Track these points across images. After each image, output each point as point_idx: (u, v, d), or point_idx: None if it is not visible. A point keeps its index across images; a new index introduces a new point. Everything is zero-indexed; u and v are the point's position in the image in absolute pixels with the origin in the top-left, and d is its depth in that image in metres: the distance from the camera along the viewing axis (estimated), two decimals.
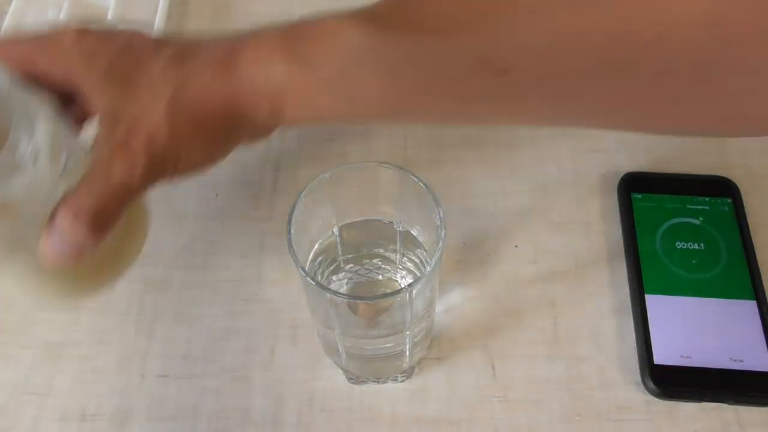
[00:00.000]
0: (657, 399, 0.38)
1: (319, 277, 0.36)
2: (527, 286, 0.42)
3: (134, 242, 0.34)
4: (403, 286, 0.32)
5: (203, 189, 0.47)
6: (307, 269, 0.31)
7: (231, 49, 0.29)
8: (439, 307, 0.41)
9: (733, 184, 0.45)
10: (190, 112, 0.29)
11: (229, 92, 0.29)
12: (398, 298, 0.30)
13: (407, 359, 0.37)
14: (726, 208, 0.44)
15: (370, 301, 0.33)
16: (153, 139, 0.28)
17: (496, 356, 0.40)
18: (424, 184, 0.31)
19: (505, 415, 0.38)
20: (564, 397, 0.38)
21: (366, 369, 0.38)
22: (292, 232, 0.30)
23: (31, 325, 0.42)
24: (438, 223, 0.31)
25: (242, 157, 0.48)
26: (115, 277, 0.33)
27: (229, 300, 0.42)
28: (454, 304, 0.42)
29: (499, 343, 0.40)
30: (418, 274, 0.36)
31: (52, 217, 0.27)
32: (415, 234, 0.36)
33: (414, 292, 0.30)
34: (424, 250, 0.35)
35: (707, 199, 0.44)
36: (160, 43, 0.30)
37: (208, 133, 0.29)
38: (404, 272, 0.38)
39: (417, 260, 0.36)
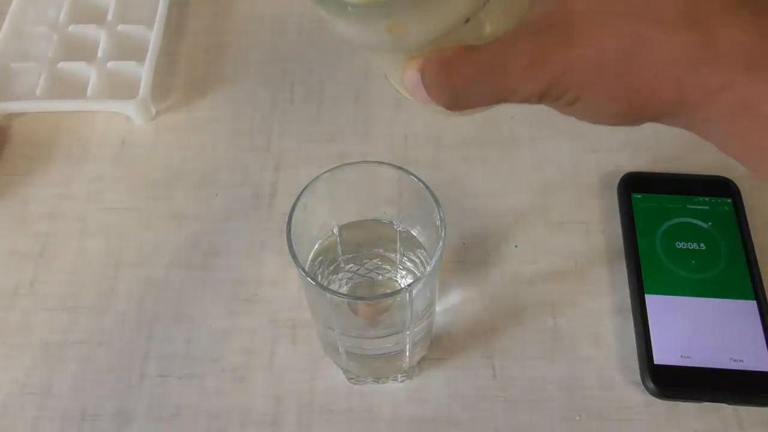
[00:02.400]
0: (657, 399, 0.38)
1: (319, 277, 0.36)
2: (527, 286, 0.42)
3: None
4: (403, 286, 0.32)
5: (203, 189, 0.47)
6: (307, 269, 0.31)
7: None
8: (439, 307, 0.41)
9: (733, 184, 0.45)
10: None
11: None
12: (398, 298, 0.30)
13: (407, 359, 0.37)
14: (726, 208, 0.44)
15: (370, 301, 0.33)
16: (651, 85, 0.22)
17: (496, 356, 0.40)
18: (424, 184, 0.31)
19: (505, 415, 0.38)
20: (564, 397, 0.38)
21: (366, 369, 0.38)
22: (292, 232, 0.30)
23: (31, 325, 0.42)
24: (438, 223, 0.31)
25: (242, 157, 0.48)
26: None
27: (229, 300, 0.42)
28: (454, 304, 0.42)
29: (499, 343, 0.40)
30: (418, 274, 0.36)
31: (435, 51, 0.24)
32: (415, 234, 0.36)
33: (414, 292, 0.30)
34: (424, 250, 0.35)
35: (707, 199, 0.44)
36: None
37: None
38: (404, 272, 0.38)
39: (417, 260, 0.36)
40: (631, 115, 0.24)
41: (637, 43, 0.22)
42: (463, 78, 0.24)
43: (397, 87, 0.28)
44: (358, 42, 0.25)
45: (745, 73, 0.21)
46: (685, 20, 0.22)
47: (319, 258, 0.36)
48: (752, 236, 0.43)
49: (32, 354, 0.41)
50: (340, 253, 0.37)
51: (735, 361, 0.38)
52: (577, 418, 0.38)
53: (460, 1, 0.22)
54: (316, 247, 0.35)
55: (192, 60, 0.54)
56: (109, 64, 0.51)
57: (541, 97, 0.24)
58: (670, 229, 0.43)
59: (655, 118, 0.24)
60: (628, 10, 0.22)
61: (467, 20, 0.23)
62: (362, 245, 0.38)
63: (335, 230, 0.36)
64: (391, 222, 0.36)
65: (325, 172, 0.32)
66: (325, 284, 0.32)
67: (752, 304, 0.40)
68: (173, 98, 0.52)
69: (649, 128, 0.49)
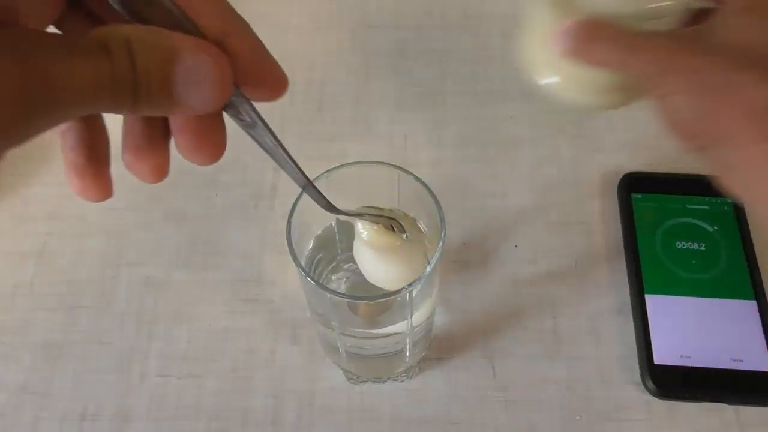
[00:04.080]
0: (657, 399, 0.38)
1: (320, 276, 0.36)
2: (527, 286, 0.42)
3: None
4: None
5: (203, 189, 0.47)
6: (306, 269, 0.31)
7: None
8: (439, 307, 0.41)
9: None
10: None
11: None
12: (398, 298, 0.30)
13: (407, 359, 0.37)
14: (726, 208, 0.44)
15: (370, 301, 0.33)
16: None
17: (496, 356, 0.40)
18: (424, 184, 0.31)
19: (505, 415, 0.38)
20: (564, 397, 0.38)
21: (366, 369, 0.38)
22: (292, 232, 0.30)
23: (31, 325, 0.42)
24: (438, 223, 0.31)
25: (242, 157, 0.48)
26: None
27: (229, 300, 0.42)
28: (454, 304, 0.42)
29: (499, 343, 0.40)
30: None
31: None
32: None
33: (414, 292, 0.30)
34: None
35: (707, 199, 0.44)
36: None
37: None
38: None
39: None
40: None
41: (739, 82, 0.24)
42: (609, 35, 0.26)
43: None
44: None
45: None
46: None
47: (318, 256, 0.36)
48: (752, 236, 0.43)
49: (32, 354, 0.41)
50: (339, 251, 0.37)
51: (735, 361, 0.38)
52: (577, 418, 0.38)
53: None
54: (315, 245, 0.35)
55: None
56: None
57: (644, 81, 0.26)
58: (670, 229, 0.43)
59: None
60: (757, 62, 0.24)
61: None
62: None
63: (333, 223, 0.36)
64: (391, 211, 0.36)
65: (325, 172, 0.32)
66: (324, 283, 0.32)
67: (752, 304, 0.40)
68: None
69: (649, 128, 0.49)
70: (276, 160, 0.25)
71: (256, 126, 0.23)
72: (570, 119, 0.49)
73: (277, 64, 0.22)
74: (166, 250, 0.45)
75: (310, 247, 0.35)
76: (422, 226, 0.35)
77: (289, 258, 0.30)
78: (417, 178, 0.32)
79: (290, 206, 0.31)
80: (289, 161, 0.25)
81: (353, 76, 0.52)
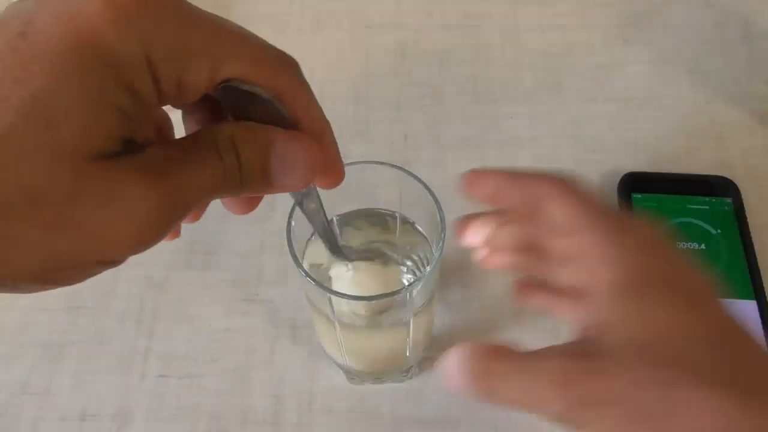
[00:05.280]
0: None
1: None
2: None
3: None
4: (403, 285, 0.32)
5: None
6: (306, 269, 0.31)
7: None
8: (439, 307, 0.41)
9: (733, 184, 0.45)
10: None
11: None
12: (398, 298, 0.30)
13: (407, 359, 0.37)
14: (726, 208, 0.44)
15: (369, 301, 0.33)
16: None
17: None
18: (424, 185, 0.31)
19: (505, 415, 0.38)
20: None
21: (366, 369, 0.38)
22: (292, 232, 0.30)
23: (31, 325, 0.42)
24: (438, 222, 0.31)
25: None
26: None
27: (229, 300, 0.42)
28: (454, 304, 0.42)
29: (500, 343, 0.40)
30: (418, 273, 0.36)
31: None
32: (415, 231, 0.36)
33: (414, 291, 0.30)
34: (425, 249, 0.35)
35: (707, 199, 0.44)
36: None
37: None
38: (404, 270, 0.38)
39: (417, 259, 0.36)
40: None
41: (672, 394, 0.22)
42: (501, 373, 0.25)
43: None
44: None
45: None
46: (719, 377, 0.22)
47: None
48: (752, 236, 0.43)
49: (32, 354, 0.41)
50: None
51: None
52: None
53: None
54: (315, 244, 0.35)
55: None
56: None
57: (562, 418, 0.24)
58: (670, 229, 0.43)
59: None
60: (665, 356, 0.23)
61: None
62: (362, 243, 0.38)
63: (334, 218, 0.35)
64: (392, 212, 0.36)
65: None
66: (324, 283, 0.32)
67: (752, 304, 0.40)
68: None
69: (649, 128, 0.49)
70: (314, 226, 0.29)
71: (309, 199, 0.28)
72: (570, 119, 0.50)
73: (342, 161, 0.25)
74: (166, 250, 0.44)
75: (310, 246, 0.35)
76: (420, 228, 0.35)
77: (289, 258, 0.30)
78: (417, 179, 0.32)
79: (290, 206, 0.31)
80: (327, 228, 0.30)
81: (353, 76, 0.52)
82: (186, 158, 0.20)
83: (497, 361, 0.26)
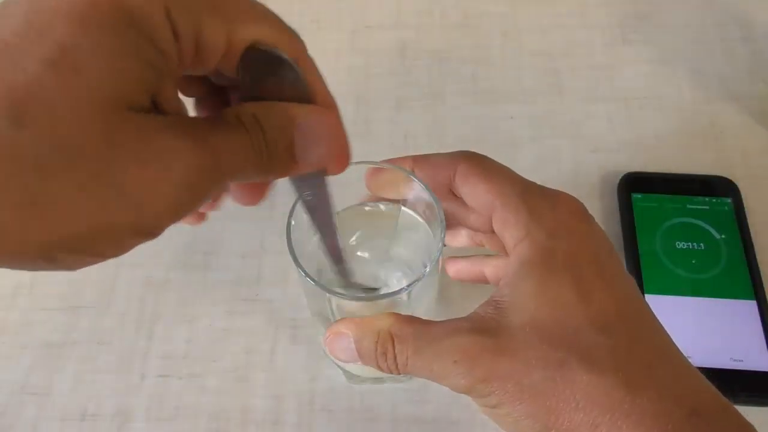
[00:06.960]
0: None
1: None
2: None
3: None
4: (402, 285, 0.32)
5: None
6: (306, 269, 0.31)
7: None
8: (439, 307, 0.41)
9: (733, 184, 0.45)
10: None
11: None
12: (398, 298, 0.30)
13: None
14: (726, 208, 0.44)
15: (369, 301, 0.33)
16: None
17: None
18: (424, 185, 0.31)
19: None
20: None
21: (366, 369, 0.38)
22: (292, 232, 0.30)
23: (31, 325, 0.42)
24: (438, 222, 0.31)
25: None
26: None
27: (229, 300, 0.42)
28: (454, 304, 0.42)
29: None
30: (418, 274, 0.36)
31: None
32: (414, 233, 0.36)
33: (414, 292, 0.30)
34: (424, 249, 0.35)
35: (707, 199, 0.44)
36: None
37: None
38: (404, 269, 0.38)
39: (416, 257, 0.36)
40: None
41: (562, 374, 0.23)
42: (402, 352, 0.26)
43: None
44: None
45: None
46: (608, 363, 0.23)
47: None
48: (752, 236, 0.43)
49: (32, 354, 0.41)
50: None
51: (735, 361, 0.38)
52: None
53: None
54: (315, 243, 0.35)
55: None
56: None
57: (467, 391, 0.26)
58: (670, 229, 0.43)
59: None
60: (559, 338, 0.24)
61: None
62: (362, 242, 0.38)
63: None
64: (391, 209, 0.36)
65: None
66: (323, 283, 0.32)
67: (752, 304, 0.40)
68: None
69: (649, 128, 0.49)
70: (319, 232, 0.28)
71: (316, 191, 0.26)
72: (570, 119, 0.50)
73: (349, 141, 0.24)
74: (166, 250, 0.45)
75: (310, 246, 0.35)
76: (420, 227, 0.35)
77: (289, 258, 0.30)
78: (417, 179, 0.32)
79: (290, 206, 0.31)
80: (334, 236, 0.29)
81: (353, 76, 0.52)
82: (219, 126, 0.20)
83: (401, 339, 0.26)
